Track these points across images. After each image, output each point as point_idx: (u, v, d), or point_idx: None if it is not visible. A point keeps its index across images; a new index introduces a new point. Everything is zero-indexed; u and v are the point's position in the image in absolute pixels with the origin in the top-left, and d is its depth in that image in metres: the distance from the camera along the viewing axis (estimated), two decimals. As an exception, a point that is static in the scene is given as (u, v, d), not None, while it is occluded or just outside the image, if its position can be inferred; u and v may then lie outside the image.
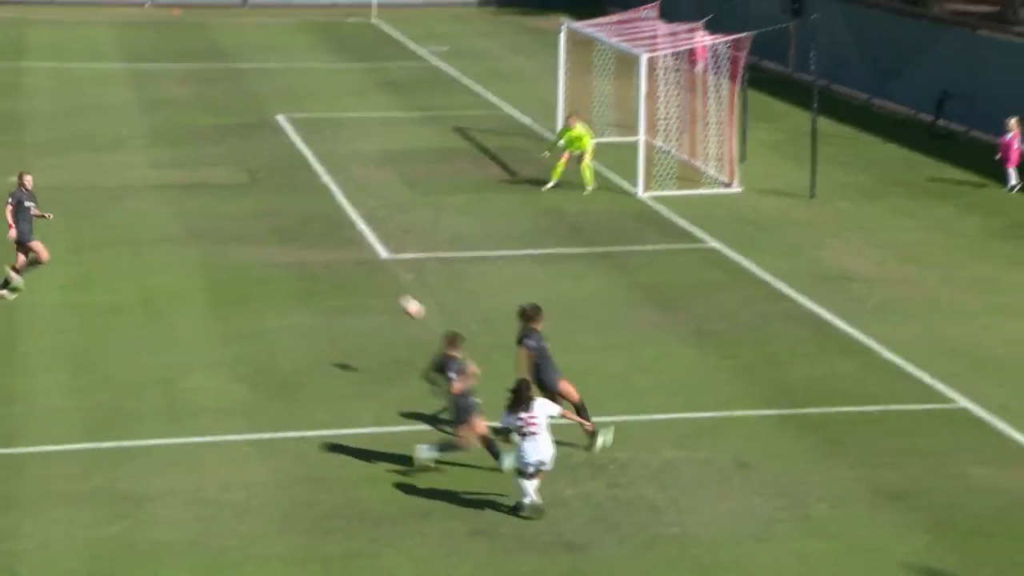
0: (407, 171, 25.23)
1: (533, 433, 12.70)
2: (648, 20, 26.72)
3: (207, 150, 26.72)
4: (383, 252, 20.75)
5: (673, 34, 25.82)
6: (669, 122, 25.82)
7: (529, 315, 14.27)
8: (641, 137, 24.36)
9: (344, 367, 16.07)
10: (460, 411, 13.41)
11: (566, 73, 27.87)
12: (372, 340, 17.15)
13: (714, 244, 21.40)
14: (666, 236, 21.82)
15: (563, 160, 23.85)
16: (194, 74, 34.23)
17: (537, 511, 12.64)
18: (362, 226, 22.02)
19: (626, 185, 24.50)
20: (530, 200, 23.53)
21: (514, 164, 25.67)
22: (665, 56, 25.47)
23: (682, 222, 22.53)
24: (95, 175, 24.60)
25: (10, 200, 18.37)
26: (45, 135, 27.61)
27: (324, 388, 15.71)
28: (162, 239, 21.07)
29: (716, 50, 25.11)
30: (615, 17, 27.96)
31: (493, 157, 26.61)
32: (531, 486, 12.69)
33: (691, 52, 26.64)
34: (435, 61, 36.79)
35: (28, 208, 18.35)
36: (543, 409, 12.86)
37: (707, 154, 25.19)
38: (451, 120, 29.68)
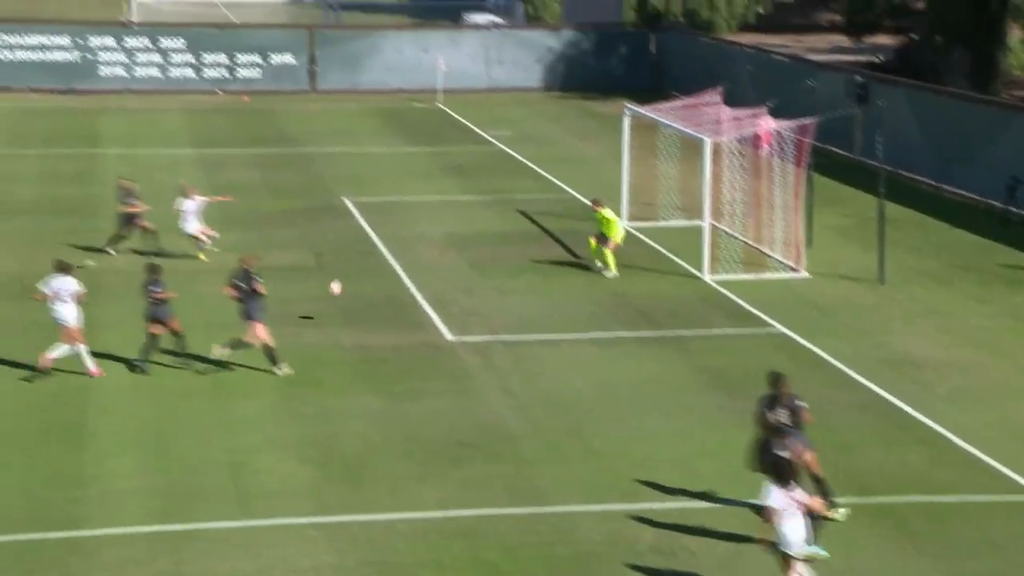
0: (472, 254, 25.45)
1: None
2: (712, 105, 26.91)
3: (275, 233, 27.14)
4: (448, 335, 20.89)
5: (737, 119, 25.98)
6: (734, 206, 25.88)
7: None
8: (706, 221, 24.43)
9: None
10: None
11: (630, 157, 28.09)
12: (436, 423, 17.22)
13: (781, 329, 21.32)
14: (732, 320, 21.78)
15: (608, 248, 23.87)
16: (262, 159, 34.87)
17: None
18: (427, 309, 22.20)
19: (692, 269, 24.53)
20: (595, 283, 23.63)
21: (579, 247, 25.82)
22: (730, 140, 25.62)
23: (748, 306, 22.49)
24: (167, 259, 25.02)
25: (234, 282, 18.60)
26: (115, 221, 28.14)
27: (389, 470, 15.77)
28: (231, 322, 21.33)
29: (781, 135, 25.21)
30: (679, 102, 28.19)
31: (558, 240, 26.77)
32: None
33: (756, 137, 26.77)
34: (500, 145, 37.22)
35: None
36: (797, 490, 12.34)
37: (773, 238, 25.19)
38: (515, 203, 29.95)
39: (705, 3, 54.51)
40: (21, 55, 44.71)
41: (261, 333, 18.59)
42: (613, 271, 23.87)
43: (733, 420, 17.38)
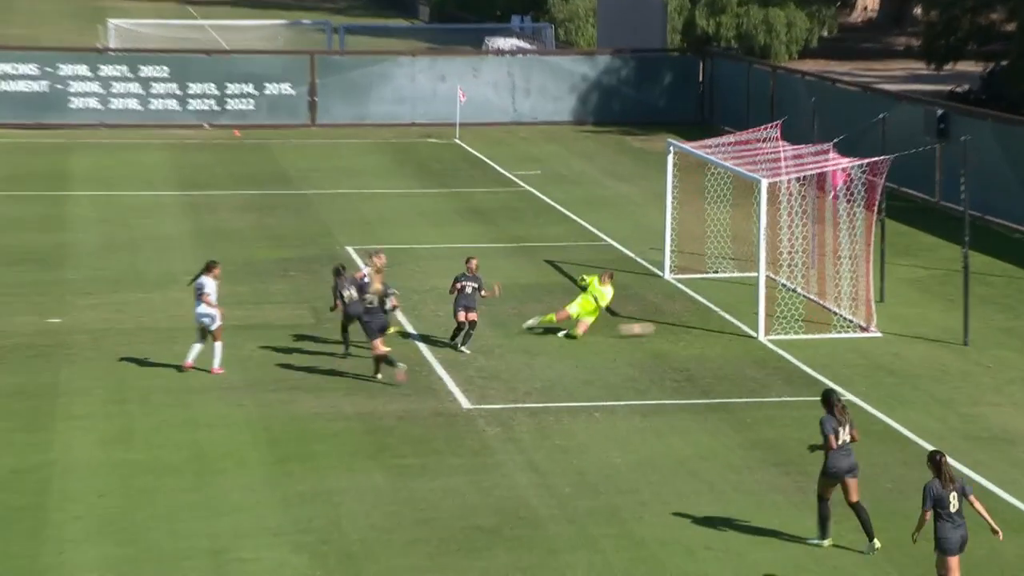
0: (493, 309, 25.45)
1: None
2: (769, 141, 26.94)
3: (269, 287, 27.22)
4: (465, 402, 20.84)
5: (798, 157, 25.98)
6: (794, 256, 25.82)
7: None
8: (762, 273, 24.38)
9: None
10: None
11: (674, 199, 28.11)
12: (451, 504, 17.12)
13: (849, 396, 21.17)
14: (792, 387, 21.66)
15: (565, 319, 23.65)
16: (255, 201, 35.09)
17: None
18: (441, 372, 22.17)
19: (745, 328, 24.44)
20: (634, 343, 23.56)
21: (615, 302, 25.76)
22: (789, 181, 25.60)
23: (810, 371, 22.36)
24: (143, 316, 25.14)
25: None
26: (87, 272, 28.34)
27: (396, 560, 15.67)
28: (215, 387, 21.38)
29: (849, 175, 25.19)
30: (730, 137, 28.24)
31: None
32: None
33: (820, 177, 26.76)
34: (525, 185, 37.35)
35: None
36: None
37: (839, 293, 25.11)
38: (543, 252, 29.98)
39: (761, 26, 54.71)
40: (-17, 85, 45.27)
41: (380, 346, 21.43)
42: (534, 322, 23.81)
43: (791, 502, 17.21)
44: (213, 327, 21.75)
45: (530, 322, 24.08)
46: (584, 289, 24.15)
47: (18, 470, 18.14)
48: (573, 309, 23.93)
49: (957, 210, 26.89)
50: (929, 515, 14.38)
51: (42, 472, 18.08)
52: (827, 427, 15.66)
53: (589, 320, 23.92)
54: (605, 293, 24.09)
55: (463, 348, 23.07)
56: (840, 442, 15.64)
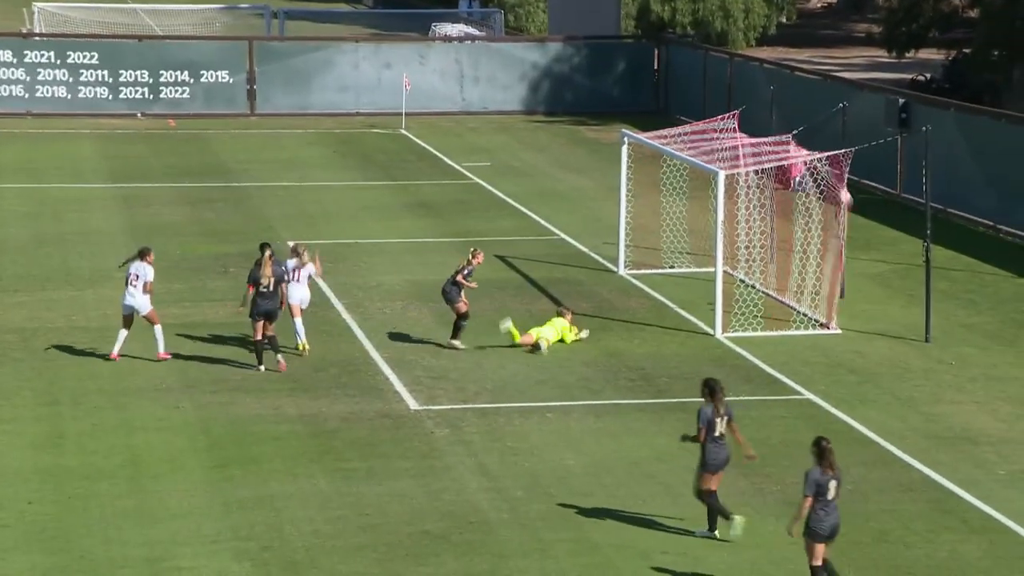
0: (441, 307, 25.52)
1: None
2: (727, 131, 27.14)
3: (207, 283, 27.18)
4: (412, 403, 20.91)
5: (756, 148, 26.20)
6: (752, 251, 26.03)
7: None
8: (719, 268, 24.57)
9: None
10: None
11: (629, 192, 28.28)
12: (398, 509, 17.19)
13: (808, 396, 21.40)
14: (750, 386, 21.86)
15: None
16: (192, 194, 35.00)
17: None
18: (387, 371, 22.23)
19: (702, 324, 24.64)
20: (587, 341, 23.71)
21: (568, 298, 25.92)
22: (747, 173, 25.81)
23: (769, 369, 22.57)
24: (74, 314, 25.05)
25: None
26: (15, 268, 28.19)
27: (341, 567, 15.73)
28: (151, 389, 21.34)
29: (809, 167, 25.43)
30: (687, 127, 28.43)
31: (542, 290, 26.89)
32: None
33: (779, 169, 27.01)
34: (474, 178, 37.45)
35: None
36: None
37: (799, 289, 25.35)
38: (493, 247, 30.07)
39: (718, 12, 55.03)
40: (-98, 71, 44.86)
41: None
42: (508, 324, 23.21)
43: (751, 504, 17.39)
44: (145, 312, 21.91)
45: (506, 324, 23.39)
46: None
47: (-56, 476, 18.07)
48: (545, 332, 23.33)
49: (919, 203, 27.20)
50: (809, 502, 14.77)
51: (-31, 478, 18.02)
52: (702, 418, 16.30)
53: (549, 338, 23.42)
54: (569, 331, 23.63)
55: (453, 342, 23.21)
56: (716, 434, 16.26)
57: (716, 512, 16.50)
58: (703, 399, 16.47)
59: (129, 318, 22.13)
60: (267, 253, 21.97)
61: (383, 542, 16.31)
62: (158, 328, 22.11)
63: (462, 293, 23.25)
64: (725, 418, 16.33)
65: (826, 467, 14.88)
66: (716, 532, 16.51)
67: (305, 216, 32.80)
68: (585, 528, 16.77)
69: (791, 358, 23.03)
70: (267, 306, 21.77)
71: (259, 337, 21.86)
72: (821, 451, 14.93)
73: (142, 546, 16.18)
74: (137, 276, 21.94)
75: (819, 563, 14.80)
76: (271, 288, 21.83)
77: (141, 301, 21.97)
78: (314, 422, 20.04)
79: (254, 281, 21.91)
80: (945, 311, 25.31)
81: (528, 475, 18.25)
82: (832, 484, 14.84)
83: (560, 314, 23.87)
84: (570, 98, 47.44)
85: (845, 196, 24.26)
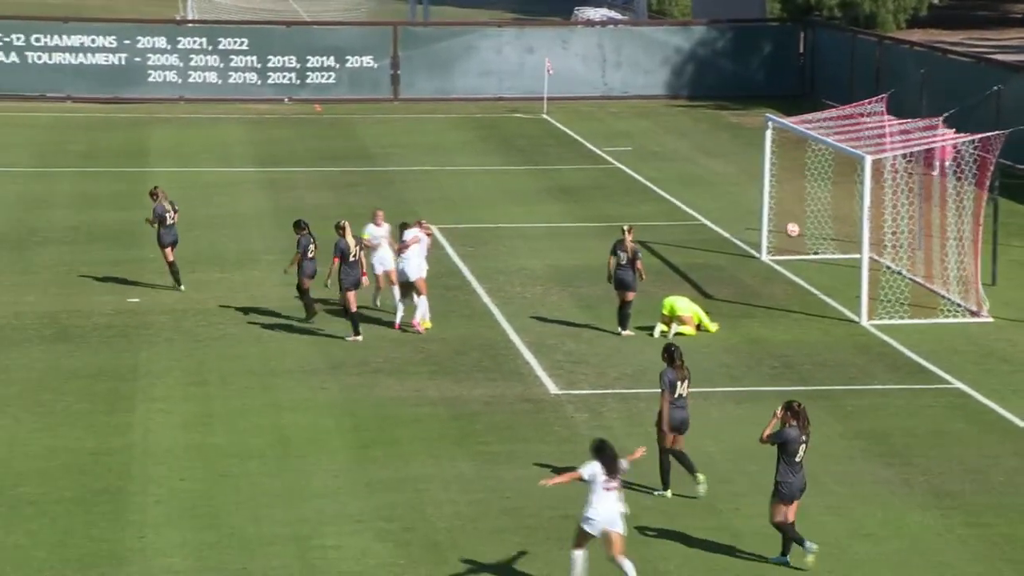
0: (582, 291, 25.57)
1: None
2: (874, 115, 26.77)
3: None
4: (552, 387, 20.99)
5: (905, 132, 25.81)
6: (900, 237, 25.66)
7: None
8: (865, 254, 24.28)
9: None
10: None
11: (772, 178, 28.04)
12: (539, 492, 17.26)
13: (958, 385, 21.06)
14: (896, 374, 21.58)
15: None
16: (336, 179, 35.45)
17: None
18: (528, 356, 22.34)
19: (847, 312, 24.36)
20: (729, 327, 23.59)
21: (709, 285, 25.79)
22: (895, 158, 25.45)
23: (916, 357, 22.26)
24: (223, 296, 25.55)
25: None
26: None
27: (482, 549, 15.87)
28: (298, 370, 21.71)
29: (959, 151, 24.99)
30: (833, 112, 28.10)
31: (684, 276, 26.80)
32: None
33: (928, 153, 26.57)
34: (616, 163, 37.40)
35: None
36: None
37: (948, 276, 24.94)
38: (634, 232, 29.99)
39: (867, -7, 54.14)
40: (59, 58, 45.98)
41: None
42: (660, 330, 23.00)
43: (896, 495, 17.19)
44: (414, 278, 22.98)
45: (666, 331, 23.11)
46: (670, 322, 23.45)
47: (98, 453, 18.58)
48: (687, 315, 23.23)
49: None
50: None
51: (123, 455, 18.50)
52: (664, 380, 16.96)
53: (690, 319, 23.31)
54: (679, 306, 23.49)
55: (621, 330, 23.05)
56: (676, 396, 16.91)
57: (667, 472, 16.99)
58: (665, 364, 17.05)
59: (404, 285, 23.15)
60: (343, 223, 22.88)
61: (524, 525, 16.42)
62: (423, 299, 23.04)
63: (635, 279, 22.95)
64: (685, 382, 16.98)
65: (802, 428, 15.19)
66: (667, 492, 17.00)
67: (446, 200, 33.04)
68: (727, 516, 16.72)
69: (940, 346, 22.68)
70: (355, 276, 22.67)
71: (355, 308, 22.59)
72: (795, 414, 15.23)
73: (289, 524, 16.49)
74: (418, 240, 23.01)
75: (782, 520, 15.16)
76: (356, 258, 22.73)
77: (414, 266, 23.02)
78: (455, 405, 20.23)
79: (341, 253, 22.62)
80: (1099, 300, 24.69)
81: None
82: (802, 447, 15.13)
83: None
84: (713, 82, 47.11)
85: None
